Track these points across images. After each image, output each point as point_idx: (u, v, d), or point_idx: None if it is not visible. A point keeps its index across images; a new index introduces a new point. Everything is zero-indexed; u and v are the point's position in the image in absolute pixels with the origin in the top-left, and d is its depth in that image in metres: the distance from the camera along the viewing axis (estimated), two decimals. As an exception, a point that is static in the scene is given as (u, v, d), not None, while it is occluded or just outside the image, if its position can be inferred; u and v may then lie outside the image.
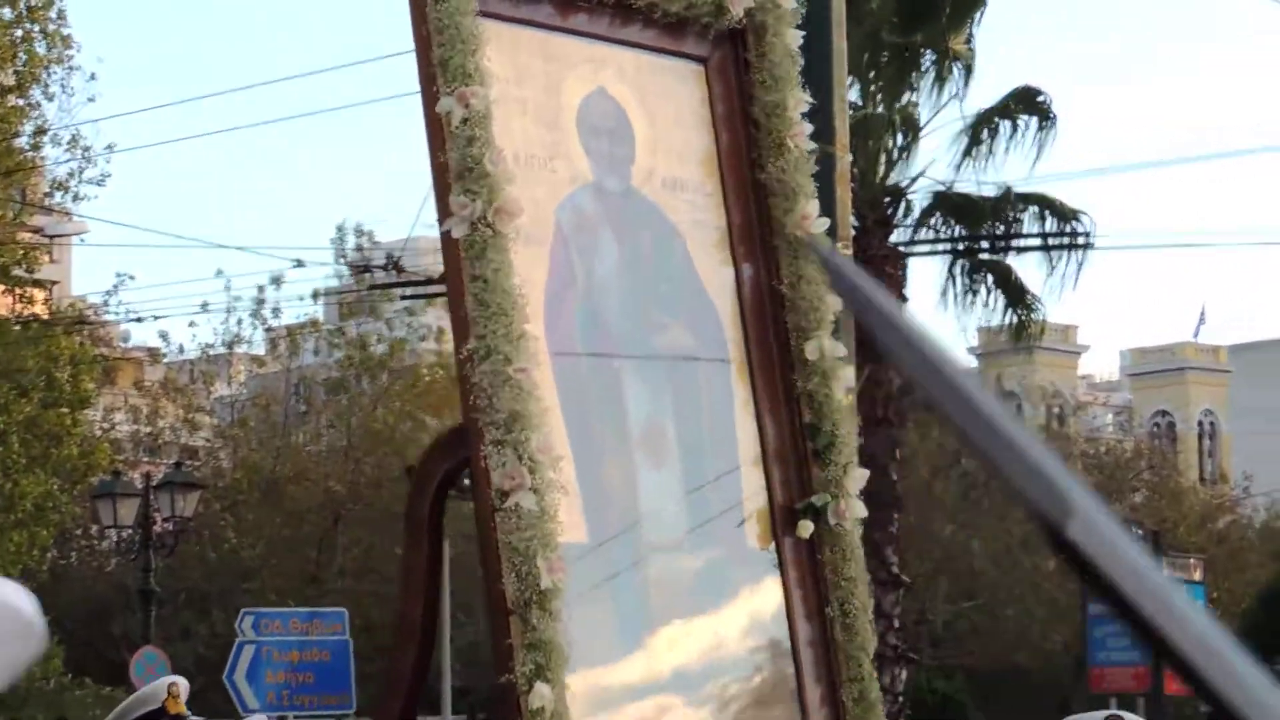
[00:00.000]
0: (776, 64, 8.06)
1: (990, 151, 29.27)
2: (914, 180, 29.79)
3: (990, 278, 30.06)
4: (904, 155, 29.57)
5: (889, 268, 28.22)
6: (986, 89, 27.54)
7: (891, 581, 26.33)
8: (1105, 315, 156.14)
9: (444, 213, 6.99)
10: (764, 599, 8.01)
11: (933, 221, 29.90)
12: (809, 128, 8.15)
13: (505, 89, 7.20)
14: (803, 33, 8.27)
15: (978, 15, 29.22)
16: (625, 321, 7.96)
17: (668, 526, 7.83)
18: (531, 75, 7.49)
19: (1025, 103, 29.55)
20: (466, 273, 6.85)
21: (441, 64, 6.97)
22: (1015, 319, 30.65)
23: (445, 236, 7.04)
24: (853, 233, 17.76)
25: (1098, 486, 46.13)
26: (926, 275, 32.34)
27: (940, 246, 30.26)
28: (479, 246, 6.83)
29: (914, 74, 29.17)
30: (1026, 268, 30.27)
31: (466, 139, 6.89)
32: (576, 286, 7.62)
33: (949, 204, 29.78)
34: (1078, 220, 29.73)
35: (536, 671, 6.60)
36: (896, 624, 27.09)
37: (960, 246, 30.19)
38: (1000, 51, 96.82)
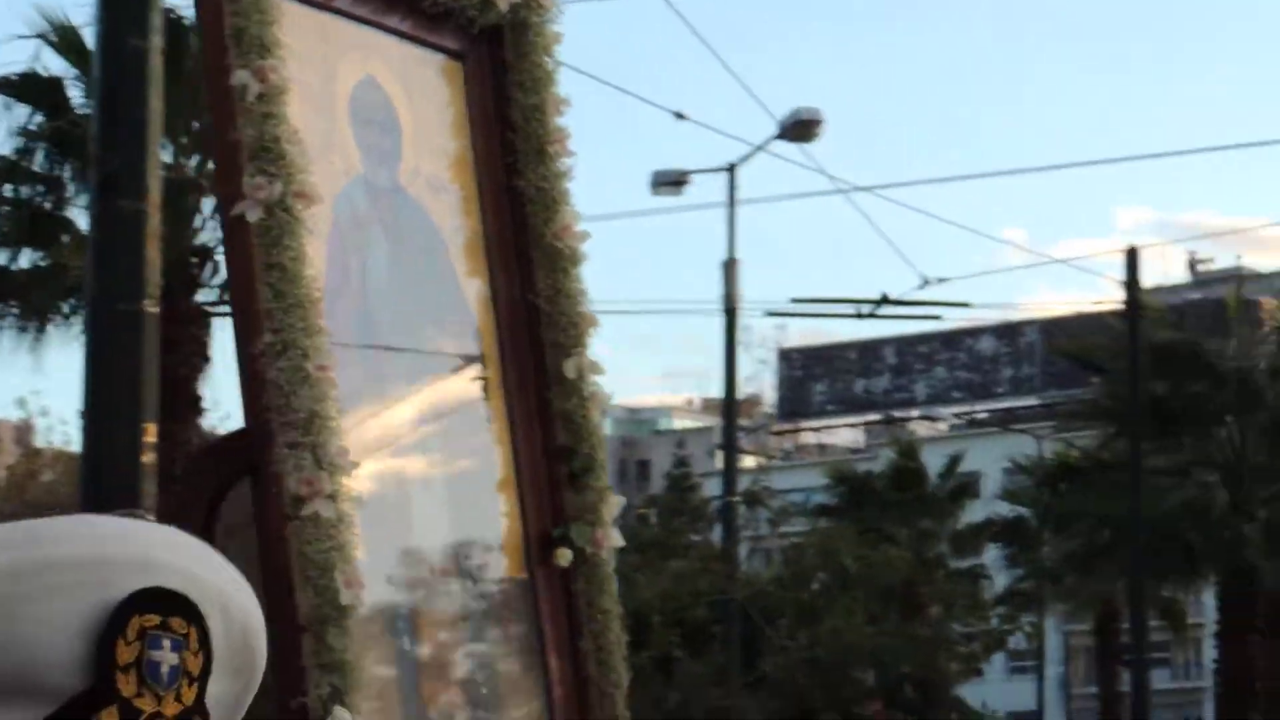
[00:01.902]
0: (537, 66, 7.59)
1: None
2: (221, 241, 29.60)
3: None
4: (214, 215, 28.47)
5: (194, 328, 28.55)
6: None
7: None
8: None
9: (234, 194, 6.34)
10: (519, 630, 7.51)
11: None
12: (570, 133, 7.64)
13: (289, 70, 6.53)
14: (560, 34, 7.84)
15: None
16: (397, 327, 7.39)
17: (432, 547, 7.34)
18: (310, 58, 6.84)
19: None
20: (260, 261, 6.23)
21: (236, 35, 6.36)
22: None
23: (234, 221, 6.37)
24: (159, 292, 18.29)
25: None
26: (228, 338, 32.67)
27: None
28: (275, 233, 6.23)
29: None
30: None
31: (263, 115, 6.30)
32: (351, 285, 7.07)
33: None
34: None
35: (333, 694, 6.04)
36: None
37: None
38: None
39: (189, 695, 1.61)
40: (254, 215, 6.23)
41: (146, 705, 1.55)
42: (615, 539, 7.49)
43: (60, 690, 1.53)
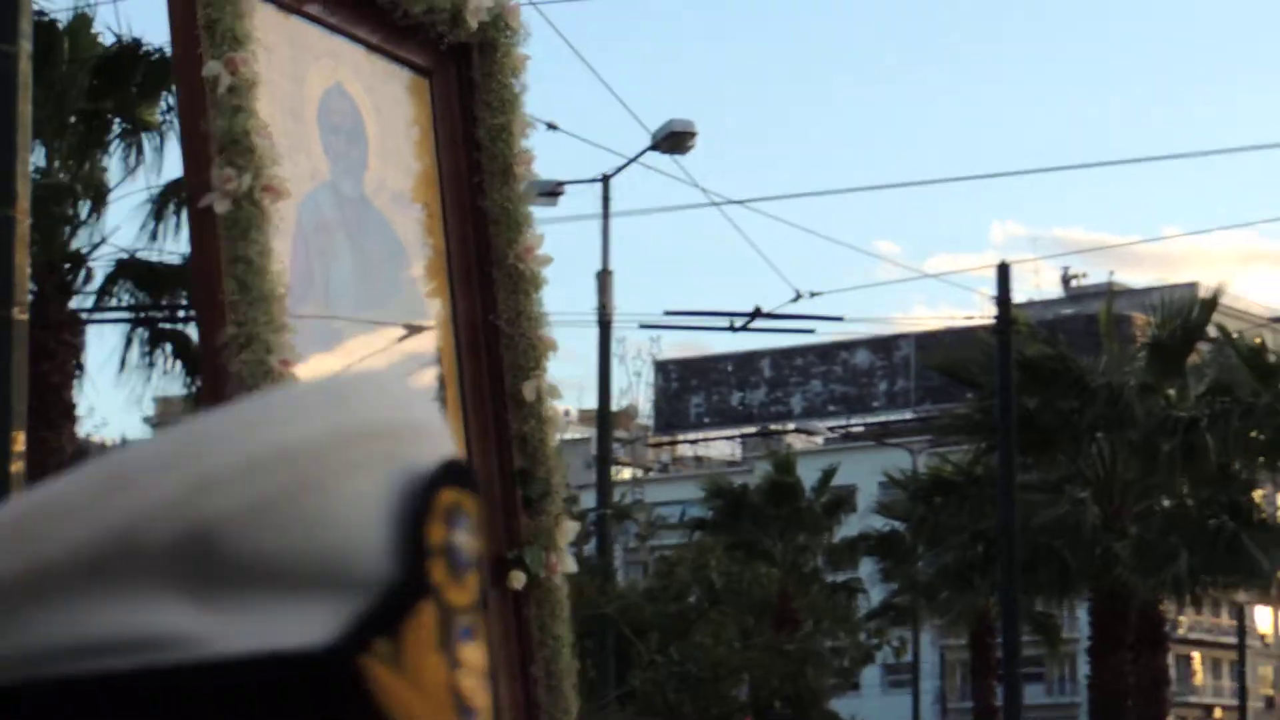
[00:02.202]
0: (504, 86, 7.51)
1: (178, 222, 29.09)
2: (96, 247, 29.79)
3: (170, 346, 30.25)
4: (89, 221, 29.70)
5: (67, 335, 28.23)
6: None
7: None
8: None
9: (201, 186, 6.27)
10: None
11: (116, 289, 30.00)
12: (534, 154, 7.63)
13: (260, 66, 6.46)
14: (528, 56, 7.73)
15: (170, 88, 27.80)
16: (357, 338, 7.33)
17: None
18: (279, 59, 6.73)
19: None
20: (226, 254, 6.15)
21: (209, 26, 6.26)
22: (193, 391, 30.51)
23: (200, 213, 6.31)
24: (30, 298, 18.23)
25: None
26: (106, 344, 32.49)
27: (121, 315, 30.37)
28: (242, 226, 6.15)
29: (103, 141, 29.41)
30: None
31: (233, 108, 6.21)
32: (313, 291, 6.93)
33: (132, 271, 29.83)
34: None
35: None
36: None
37: (142, 315, 30.37)
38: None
39: (474, 585, 1.36)
40: (222, 207, 6.17)
41: (458, 597, 1.26)
42: (569, 564, 7.50)
43: (367, 579, 1.24)
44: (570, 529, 7.54)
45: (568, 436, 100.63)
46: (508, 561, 7.23)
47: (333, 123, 7.13)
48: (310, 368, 6.59)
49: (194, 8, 6.32)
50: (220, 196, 6.16)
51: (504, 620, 7.27)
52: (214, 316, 6.27)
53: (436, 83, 7.52)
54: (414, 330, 7.53)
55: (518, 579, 7.26)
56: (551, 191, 34.17)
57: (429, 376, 7.43)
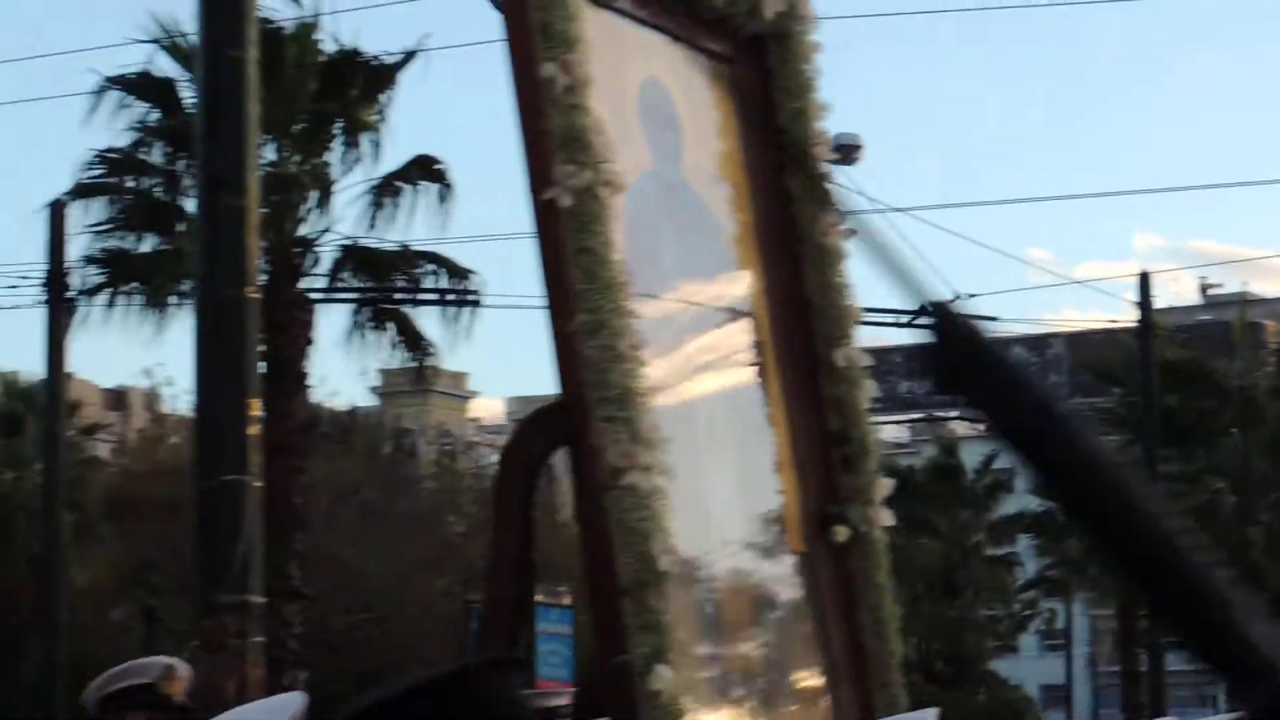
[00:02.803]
0: (799, 72, 7.46)
1: (395, 211, 29.12)
2: (322, 234, 29.36)
3: (392, 326, 29.95)
4: (316, 210, 29.16)
5: (298, 312, 28.00)
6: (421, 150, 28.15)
7: (293, 594, 26.30)
8: (494, 364, 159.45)
9: (543, 181, 6.24)
10: (800, 600, 7.40)
11: (341, 273, 29.64)
12: (830, 135, 7.68)
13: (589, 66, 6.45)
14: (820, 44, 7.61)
15: (388, 93, 29.06)
16: (687, 317, 7.18)
17: (724, 522, 7.15)
18: (600, 54, 6.57)
19: (424, 169, 29.34)
20: (572, 245, 6.13)
21: (543, 29, 6.25)
22: (414, 364, 30.80)
23: (545, 206, 6.25)
24: (264, 279, 17.84)
25: (484, 519, 46.77)
26: (335, 322, 32.99)
27: (347, 295, 29.99)
28: (585, 218, 6.15)
29: (327, 138, 28.93)
30: (425, 318, 30.16)
31: (569, 106, 6.22)
32: (642, 276, 6.70)
33: (355, 257, 29.56)
34: (469, 278, 29.75)
35: (654, 654, 5.91)
36: (297, 631, 26.98)
37: (364, 296, 29.94)
38: (430, 118, 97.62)
39: None
40: (565, 201, 6.15)
41: None
42: (887, 518, 7.42)
43: None
44: (886, 485, 7.46)
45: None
46: (831, 517, 7.24)
47: (651, 113, 7.14)
48: (650, 353, 6.50)
49: (526, 12, 6.34)
50: (563, 191, 6.16)
51: (830, 571, 7.31)
52: (563, 304, 6.26)
53: (737, 69, 7.49)
54: (736, 314, 7.42)
55: (841, 533, 7.25)
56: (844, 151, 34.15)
57: (747, 342, 7.39)
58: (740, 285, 7.38)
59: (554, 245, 6.23)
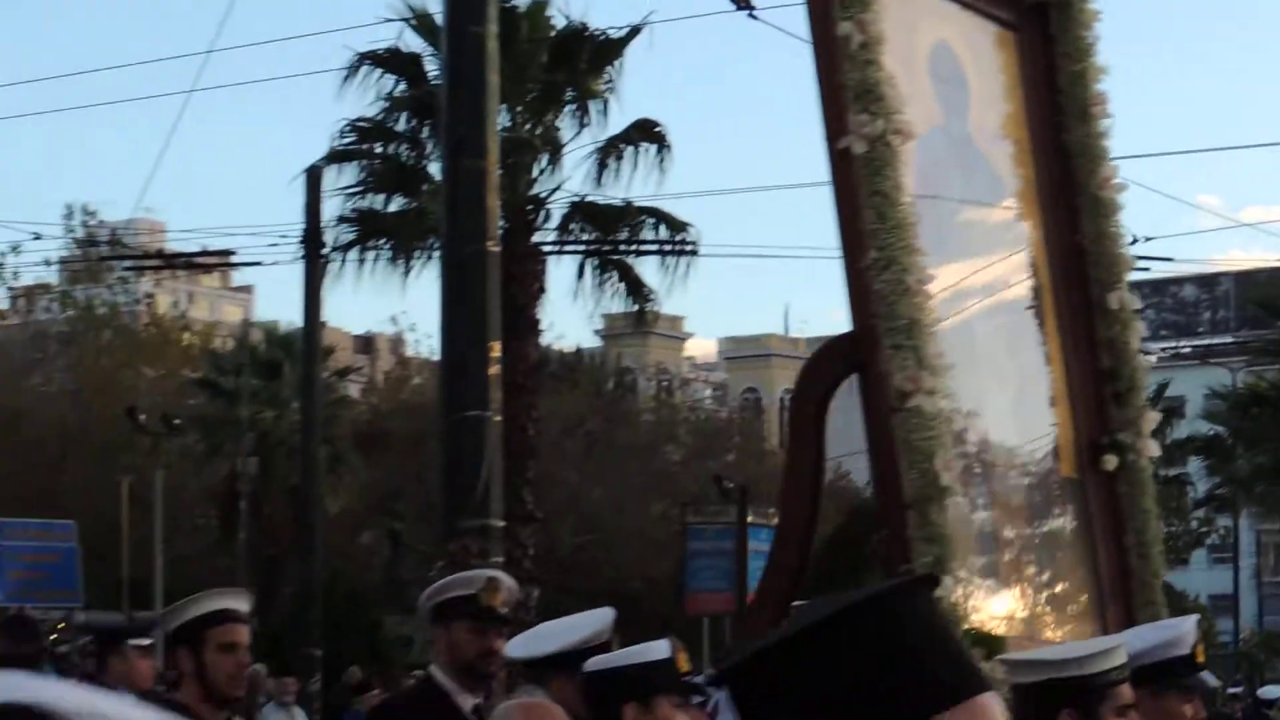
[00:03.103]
0: (1080, 38, 7.44)
1: (618, 170, 29.41)
2: (553, 192, 29.65)
3: (615, 274, 30.30)
4: (547, 171, 29.59)
5: (530, 264, 28.39)
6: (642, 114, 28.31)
7: (526, 518, 26.73)
8: (707, 308, 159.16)
9: (838, 130, 6.32)
10: (1072, 524, 7.38)
11: (569, 227, 29.90)
12: (1109, 95, 7.55)
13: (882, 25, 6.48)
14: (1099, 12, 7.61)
15: (616, 64, 29.33)
16: (967, 261, 7.28)
17: (1001, 446, 7.23)
18: (890, 16, 6.58)
19: (644, 131, 29.50)
20: (865, 188, 6.18)
21: None
22: (635, 309, 31.13)
23: (840, 153, 6.31)
24: (500, 233, 18.32)
25: (698, 449, 47.00)
26: (564, 272, 33.12)
27: (575, 248, 30.29)
28: (877, 164, 6.19)
29: (557, 105, 29.31)
30: (645, 267, 30.42)
31: (865, 61, 6.27)
32: (929, 223, 6.73)
33: (582, 212, 29.74)
34: (686, 230, 29.87)
35: (936, 563, 5.94)
36: (530, 552, 27.39)
37: (591, 248, 30.22)
38: (650, 84, 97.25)
39: None
40: (859, 148, 6.24)
41: None
42: (1154, 449, 7.53)
43: None
44: (1152, 419, 7.57)
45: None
46: (1102, 447, 7.26)
47: (940, 73, 7.18)
48: (935, 288, 6.57)
49: None
50: (857, 139, 6.23)
51: (1099, 497, 7.30)
52: (855, 242, 6.33)
53: (1022, 35, 7.50)
54: (1017, 260, 7.56)
55: (1110, 462, 7.26)
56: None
57: (1027, 285, 7.53)
58: (1020, 234, 7.43)
59: (848, 189, 6.31)
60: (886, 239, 6.11)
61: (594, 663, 5.45)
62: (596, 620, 6.22)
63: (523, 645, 6.41)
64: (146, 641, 11.04)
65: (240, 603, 6.96)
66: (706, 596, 32.98)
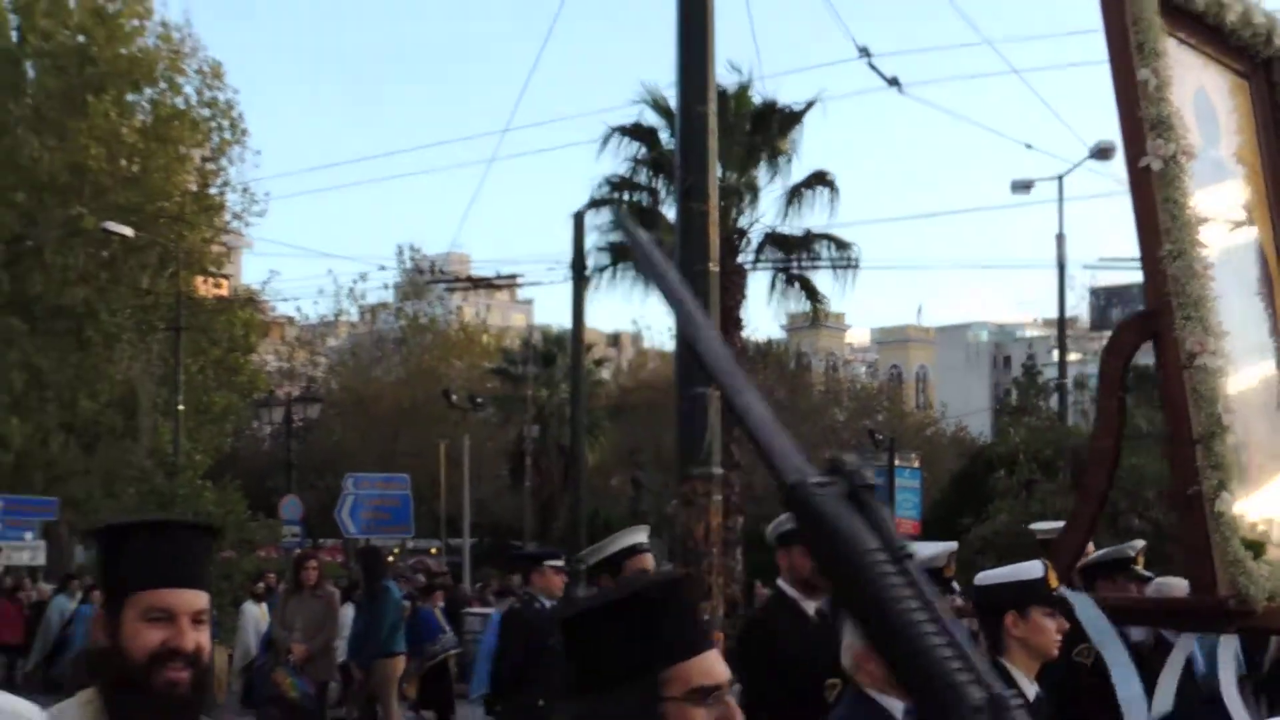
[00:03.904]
0: None
1: (800, 207, 29.49)
2: (753, 225, 29.58)
3: (796, 285, 30.20)
4: (749, 209, 29.48)
5: (736, 278, 28.23)
6: (816, 163, 28.44)
7: (734, 465, 26.82)
8: (863, 306, 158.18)
9: (1138, 152, 6.06)
10: None
11: (764, 250, 29.72)
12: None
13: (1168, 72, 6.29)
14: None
15: (797, 129, 29.15)
16: (1224, 249, 6.69)
17: (1267, 400, 6.58)
18: (1170, 66, 6.33)
19: (820, 179, 29.40)
20: (1159, 196, 5.96)
21: (1139, 45, 6.13)
22: (809, 309, 31.09)
23: (1141, 170, 6.07)
24: (717, 256, 18.36)
25: (856, 411, 46.74)
26: (760, 283, 33.29)
27: (767, 265, 30.06)
28: (1169, 178, 5.97)
29: (755, 161, 29.07)
30: (819, 277, 30.33)
31: (1159, 99, 6.06)
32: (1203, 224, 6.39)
33: (773, 240, 29.60)
34: (849, 249, 29.82)
35: (1219, 485, 5.69)
36: (736, 490, 27.25)
37: (779, 266, 30.00)
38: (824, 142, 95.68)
39: None
40: (1156, 165, 6.05)
41: None
42: None
43: None
44: None
45: (1038, 334, 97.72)
46: None
47: (1201, 111, 6.78)
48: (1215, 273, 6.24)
49: (1128, 34, 6.21)
50: (1154, 159, 6.04)
51: None
52: (1153, 238, 6.07)
53: (1253, 84, 7.10)
54: (1255, 255, 7.04)
55: None
56: (1027, 185, 32.94)
57: (1256, 276, 6.99)
58: (1251, 235, 6.93)
59: (1146, 198, 6.05)
60: (1178, 234, 5.92)
61: (983, 577, 5.05)
62: (939, 548, 5.93)
63: None
64: (559, 562, 11.28)
65: (646, 537, 6.62)
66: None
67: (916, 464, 33.69)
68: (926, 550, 5.80)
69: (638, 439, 41.17)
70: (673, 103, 15.62)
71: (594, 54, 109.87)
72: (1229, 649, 6.21)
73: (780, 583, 6.33)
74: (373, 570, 16.43)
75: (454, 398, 38.52)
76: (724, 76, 27.95)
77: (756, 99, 28.92)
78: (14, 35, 33.45)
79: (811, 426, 41.49)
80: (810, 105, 29.23)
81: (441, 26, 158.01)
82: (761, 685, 6.08)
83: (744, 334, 31.17)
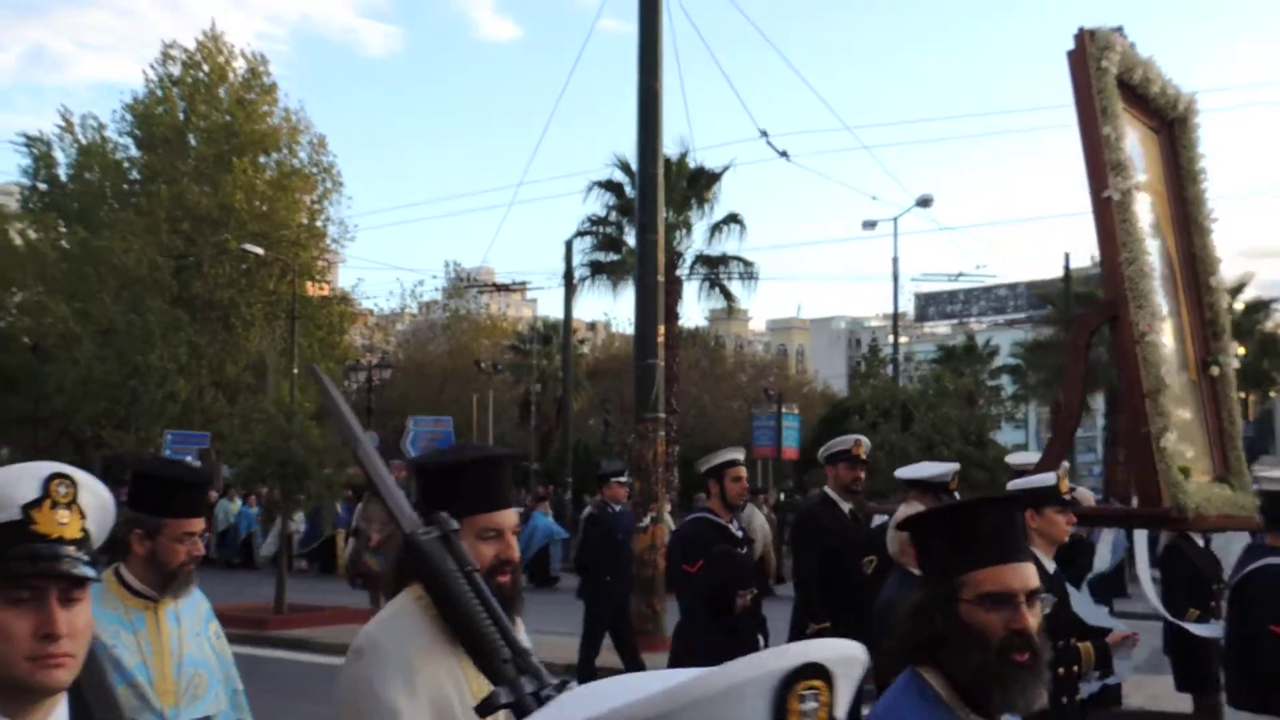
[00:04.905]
0: (1190, 159, 6.26)
1: (722, 236, 29.49)
2: (687, 250, 29.46)
3: (717, 290, 30.06)
4: (684, 239, 29.35)
5: (675, 285, 28.14)
6: (730, 208, 28.39)
7: (671, 411, 26.86)
8: (758, 304, 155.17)
9: (1101, 187, 5.37)
10: (1198, 410, 5.95)
11: (696, 266, 29.69)
12: (1217, 212, 6.24)
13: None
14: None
15: (718, 183, 28.98)
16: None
17: (1174, 363, 5.75)
18: (1119, 124, 5.52)
19: (733, 219, 29.34)
20: (1118, 219, 5.30)
21: (1103, 109, 5.45)
22: (726, 306, 31.03)
23: (1103, 200, 5.37)
24: (664, 271, 18.74)
25: (755, 375, 46.60)
26: (691, 289, 33.39)
27: (696, 277, 30.05)
28: (1125, 205, 5.31)
29: (690, 206, 29.08)
30: (731, 283, 30.21)
31: (1117, 148, 5.40)
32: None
33: (701, 260, 29.60)
34: (752, 266, 29.88)
35: (1164, 428, 5.10)
36: (675, 430, 26.58)
37: (705, 276, 30.02)
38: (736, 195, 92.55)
39: None
40: (1116, 196, 5.37)
41: None
42: (1235, 364, 6.08)
43: None
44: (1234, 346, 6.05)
45: (879, 324, 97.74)
46: (1207, 363, 5.99)
47: (1133, 153, 5.92)
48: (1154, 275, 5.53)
49: (1094, 100, 5.46)
50: (1115, 192, 5.35)
51: (1208, 391, 6.00)
52: (1112, 250, 5.35)
53: (1161, 137, 6.33)
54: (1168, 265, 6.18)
55: (1214, 370, 5.95)
56: (872, 224, 32.69)
57: (1163, 271, 5.96)
58: (1165, 244, 6.10)
59: (1108, 220, 5.37)
60: (1133, 246, 5.28)
61: (1011, 486, 4.41)
62: (946, 466, 5.40)
63: (909, 472, 5.64)
64: (624, 478, 10.61)
65: (740, 454, 6.20)
66: (757, 450, 32.93)
67: (796, 411, 33.54)
68: (936, 469, 5.27)
69: (607, 393, 40.91)
70: (634, 166, 15.77)
71: (582, 131, 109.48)
72: (1142, 542, 5.80)
73: (826, 488, 6.06)
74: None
75: (482, 365, 38.28)
76: (669, 148, 28.06)
77: (691, 164, 28.91)
78: (181, 115, 33.35)
79: (726, 385, 41.52)
80: (726, 168, 29.42)
81: (470, 101, 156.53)
82: (810, 564, 5.82)
83: (680, 323, 30.89)
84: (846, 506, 5.99)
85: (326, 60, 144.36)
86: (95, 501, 1.59)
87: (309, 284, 34.50)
